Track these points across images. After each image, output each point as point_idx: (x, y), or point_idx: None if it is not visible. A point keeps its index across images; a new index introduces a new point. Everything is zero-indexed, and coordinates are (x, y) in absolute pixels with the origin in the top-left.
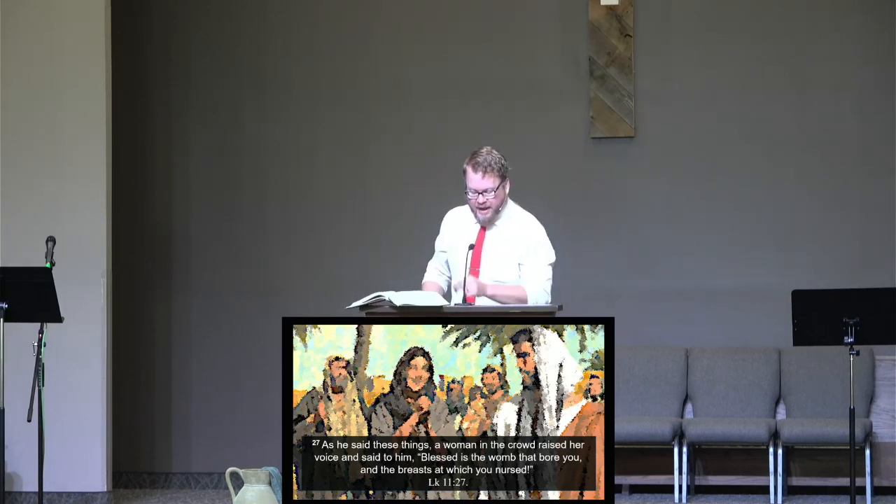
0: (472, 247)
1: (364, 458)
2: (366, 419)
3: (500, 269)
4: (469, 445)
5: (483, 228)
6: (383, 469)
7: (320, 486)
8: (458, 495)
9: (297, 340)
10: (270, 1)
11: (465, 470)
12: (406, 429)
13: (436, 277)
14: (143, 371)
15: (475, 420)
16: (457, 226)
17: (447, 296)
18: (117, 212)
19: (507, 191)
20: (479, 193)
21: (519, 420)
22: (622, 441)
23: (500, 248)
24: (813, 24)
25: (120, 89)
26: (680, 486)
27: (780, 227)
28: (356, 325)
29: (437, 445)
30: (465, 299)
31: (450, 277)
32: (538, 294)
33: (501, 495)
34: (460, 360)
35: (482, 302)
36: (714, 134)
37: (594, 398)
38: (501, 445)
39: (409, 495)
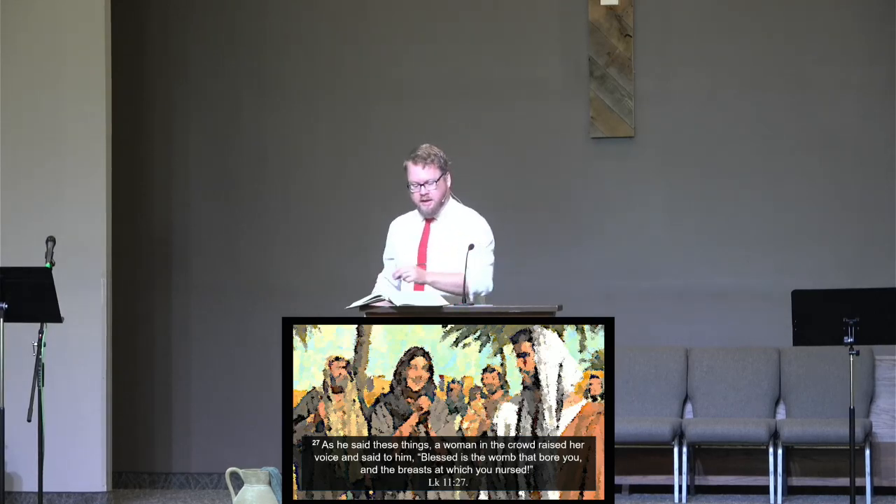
0: (472, 246)
1: (364, 458)
2: (366, 419)
3: (446, 263)
4: (469, 445)
5: (428, 223)
6: (383, 469)
7: (320, 486)
8: (458, 495)
9: (297, 340)
10: (270, 1)
11: (465, 470)
12: (406, 429)
13: (384, 290)
14: (143, 371)
15: (475, 420)
16: (401, 231)
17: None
18: (117, 212)
19: (449, 184)
20: (420, 185)
21: (519, 420)
22: (622, 441)
23: (446, 243)
24: (813, 23)
25: (120, 89)
26: (680, 486)
27: (780, 227)
28: (356, 325)
29: (437, 445)
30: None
31: (398, 287)
32: (477, 279)
33: (501, 495)
34: (460, 360)
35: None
36: (714, 134)
37: (594, 398)
38: (501, 445)
39: (409, 495)
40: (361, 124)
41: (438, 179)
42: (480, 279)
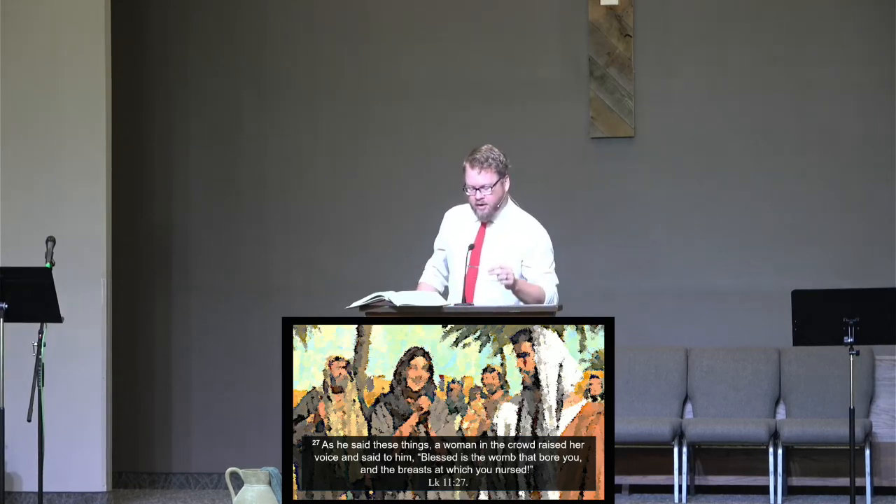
0: (471, 247)
1: (364, 458)
2: (366, 419)
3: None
4: (469, 445)
5: (483, 226)
6: (383, 469)
7: (320, 486)
8: (458, 495)
9: (297, 340)
10: (270, 1)
11: (465, 470)
12: (406, 429)
13: (431, 278)
14: (143, 371)
15: (475, 420)
16: (456, 224)
17: (444, 296)
18: (117, 212)
19: (507, 188)
20: (476, 189)
21: (519, 420)
22: (622, 441)
23: (502, 246)
24: (813, 24)
25: (120, 89)
26: (680, 486)
27: (780, 227)
28: (356, 325)
29: (437, 445)
30: (464, 299)
31: (446, 278)
32: (552, 297)
33: (501, 495)
34: (460, 360)
35: (482, 302)
36: (714, 134)
37: (594, 398)
38: (501, 445)
39: (409, 495)
40: (362, 124)
41: (495, 184)
42: (553, 298)
